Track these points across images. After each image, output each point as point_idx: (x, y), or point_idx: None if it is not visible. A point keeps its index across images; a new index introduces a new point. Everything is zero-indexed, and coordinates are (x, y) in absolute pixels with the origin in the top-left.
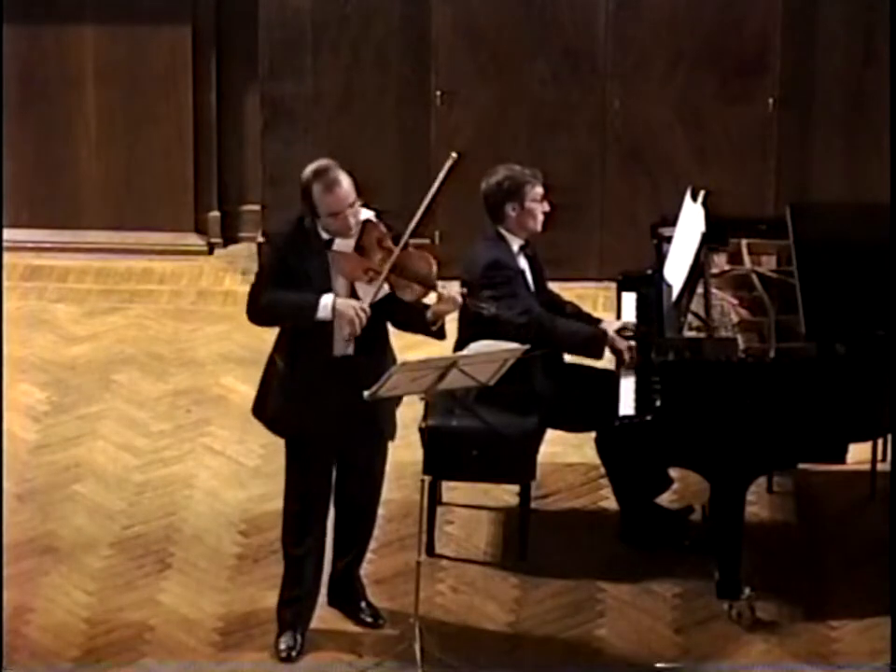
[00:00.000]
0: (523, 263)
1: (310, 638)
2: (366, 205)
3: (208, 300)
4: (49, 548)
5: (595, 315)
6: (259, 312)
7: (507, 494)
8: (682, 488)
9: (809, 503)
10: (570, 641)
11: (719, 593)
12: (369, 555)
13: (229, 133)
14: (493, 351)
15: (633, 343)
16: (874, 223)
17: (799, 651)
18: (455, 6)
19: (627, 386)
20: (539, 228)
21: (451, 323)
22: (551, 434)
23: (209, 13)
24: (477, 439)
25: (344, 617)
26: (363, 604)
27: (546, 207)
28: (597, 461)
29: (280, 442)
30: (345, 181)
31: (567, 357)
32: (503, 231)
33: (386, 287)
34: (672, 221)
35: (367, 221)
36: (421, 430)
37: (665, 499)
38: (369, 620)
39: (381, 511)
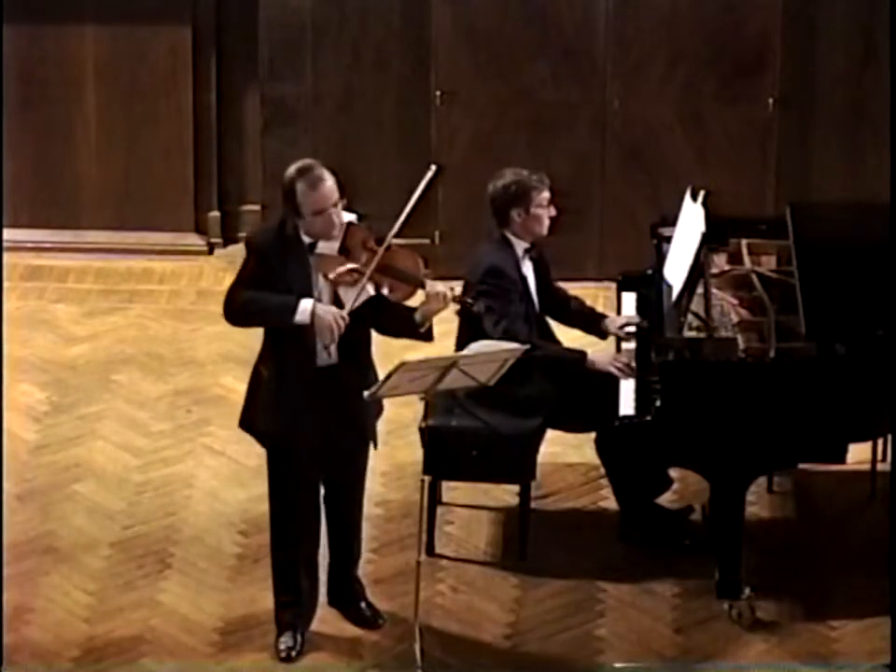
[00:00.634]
0: (526, 267)
1: (310, 639)
2: (348, 209)
3: (208, 300)
4: (49, 548)
5: (598, 311)
6: (236, 311)
7: (507, 494)
8: (682, 488)
9: (809, 503)
10: (570, 641)
11: (719, 593)
12: (369, 555)
13: (229, 133)
14: (493, 351)
15: (618, 362)
16: (874, 223)
17: (799, 651)
18: (454, 6)
19: (627, 386)
20: (544, 232)
21: (451, 323)
22: (551, 434)
23: (209, 13)
24: (477, 439)
25: (344, 617)
26: (363, 604)
27: (552, 212)
28: (597, 461)
29: None
30: (329, 179)
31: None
32: (508, 235)
33: (371, 290)
34: (672, 221)
35: (350, 224)
36: (421, 430)
37: (665, 499)
38: (369, 620)
39: (381, 511)
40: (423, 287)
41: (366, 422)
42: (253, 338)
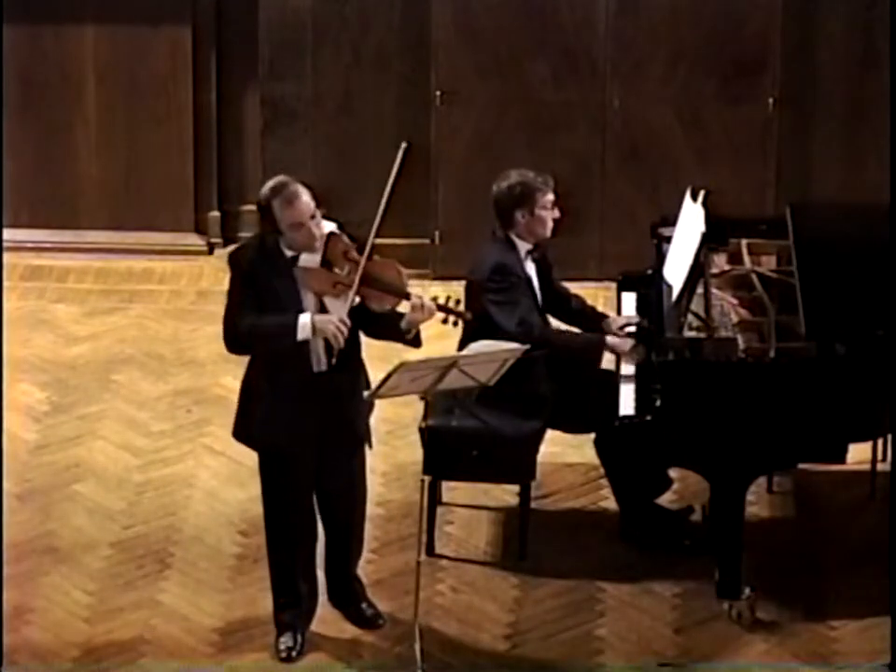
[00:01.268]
0: (530, 268)
1: (310, 639)
2: (327, 217)
3: (208, 300)
4: (49, 548)
5: (599, 310)
6: (239, 340)
7: (507, 494)
8: (682, 488)
9: (809, 503)
10: (570, 641)
11: (719, 593)
12: (369, 555)
13: (229, 133)
14: (493, 351)
15: (633, 343)
16: (874, 223)
17: (799, 651)
18: (454, 6)
19: (627, 386)
20: (548, 234)
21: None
22: (551, 434)
23: (209, 13)
24: (477, 439)
25: (344, 617)
26: (363, 604)
27: (556, 214)
28: (597, 461)
29: None
30: (304, 194)
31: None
32: (512, 236)
33: (357, 298)
34: (672, 221)
35: (331, 234)
36: (421, 430)
37: (665, 499)
38: (369, 620)
39: (381, 511)
40: (407, 298)
41: (359, 425)
42: None
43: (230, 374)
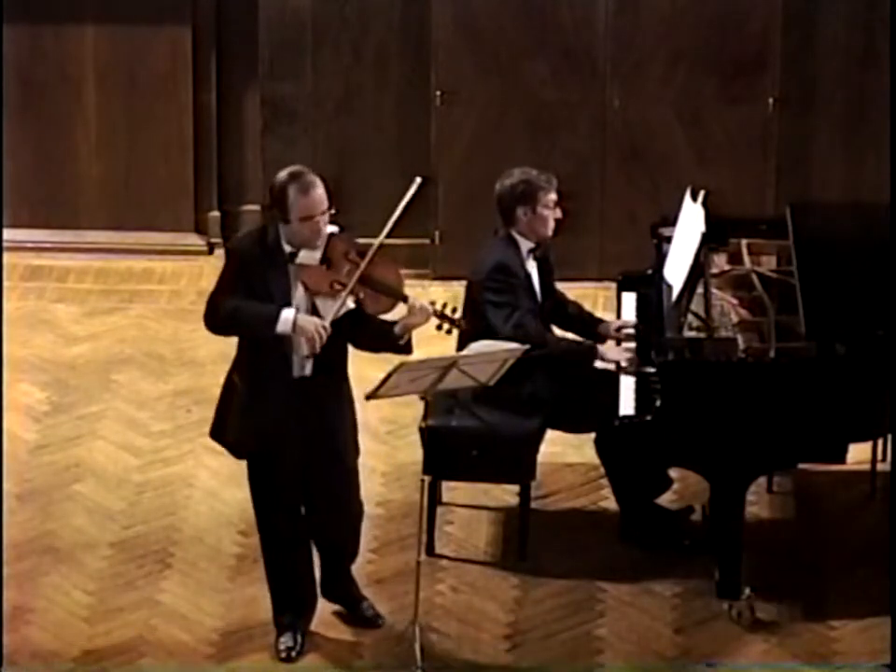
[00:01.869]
0: (531, 267)
1: (310, 639)
2: (332, 221)
3: None
4: (49, 548)
5: (596, 315)
6: (218, 320)
7: (507, 494)
8: (682, 488)
9: (809, 503)
10: (570, 641)
11: (719, 593)
12: (369, 555)
13: (229, 133)
14: (493, 351)
15: (628, 353)
16: (874, 223)
17: (799, 651)
18: (455, 6)
19: (627, 386)
20: (549, 233)
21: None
22: (551, 434)
23: (209, 13)
24: (477, 439)
25: (344, 618)
26: (363, 604)
27: (558, 213)
28: (597, 461)
29: None
30: (320, 186)
31: None
32: (514, 234)
33: (350, 304)
34: (672, 221)
35: (332, 235)
36: (421, 430)
37: (665, 499)
38: (368, 620)
39: (381, 511)
40: (405, 300)
41: (341, 435)
42: None
43: None
